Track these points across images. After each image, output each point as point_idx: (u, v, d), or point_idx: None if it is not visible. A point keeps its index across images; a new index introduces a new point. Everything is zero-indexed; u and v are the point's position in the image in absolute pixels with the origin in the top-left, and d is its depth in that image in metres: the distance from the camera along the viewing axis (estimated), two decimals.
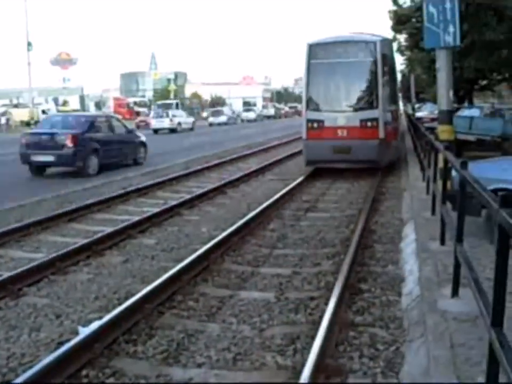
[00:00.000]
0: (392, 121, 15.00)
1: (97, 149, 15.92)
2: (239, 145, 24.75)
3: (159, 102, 60.86)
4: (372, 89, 14.01)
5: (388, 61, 14.87)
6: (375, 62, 13.81)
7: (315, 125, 14.20)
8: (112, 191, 12.19)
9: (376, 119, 13.75)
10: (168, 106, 51.51)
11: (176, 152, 22.65)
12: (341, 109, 14.16)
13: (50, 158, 15.39)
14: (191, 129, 44.20)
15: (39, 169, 15.97)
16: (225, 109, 65.00)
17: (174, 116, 42.95)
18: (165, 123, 41.55)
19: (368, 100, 14.06)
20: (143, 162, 18.51)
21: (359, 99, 14.22)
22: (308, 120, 14.31)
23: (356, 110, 14.09)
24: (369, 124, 13.77)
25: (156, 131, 40.55)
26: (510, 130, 17.48)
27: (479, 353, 3.71)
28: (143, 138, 19.14)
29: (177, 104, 56.89)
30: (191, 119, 47.22)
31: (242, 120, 63.72)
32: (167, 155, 21.02)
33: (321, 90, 14.52)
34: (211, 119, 55.33)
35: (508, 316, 2.87)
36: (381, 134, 13.76)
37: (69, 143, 15.24)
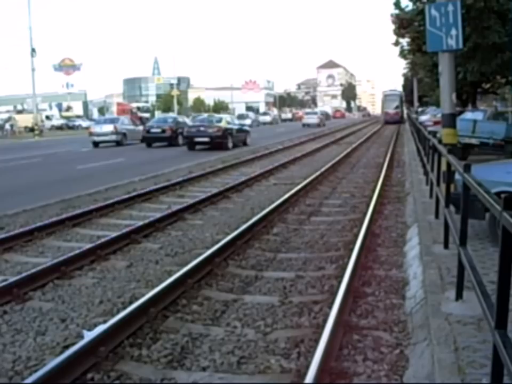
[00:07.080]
0: (401, 112, 71.06)
1: None
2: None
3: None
4: (398, 105, 70.31)
5: (401, 98, 71.91)
6: (398, 100, 70.55)
7: (386, 112, 70.07)
8: (116, 196, 12.23)
9: (399, 111, 69.82)
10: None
11: None
12: (391, 109, 69.39)
13: None
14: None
15: None
16: (250, 114, 74.24)
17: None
18: None
19: (397, 107, 69.96)
20: None
21: (395, 107, 69.69)
22: (384, 112, 71.30)
23: (394, 109, 69.40)
24: (397, 112, 69.63)
25: None
26: None
27: (483, 356, 3.72)
28: None
29: None
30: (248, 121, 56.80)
31: (258, 124, 66.99)
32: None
33: (387, 105, 70.57)
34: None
35: None
36: (400, 114, 69.23)
37: None
